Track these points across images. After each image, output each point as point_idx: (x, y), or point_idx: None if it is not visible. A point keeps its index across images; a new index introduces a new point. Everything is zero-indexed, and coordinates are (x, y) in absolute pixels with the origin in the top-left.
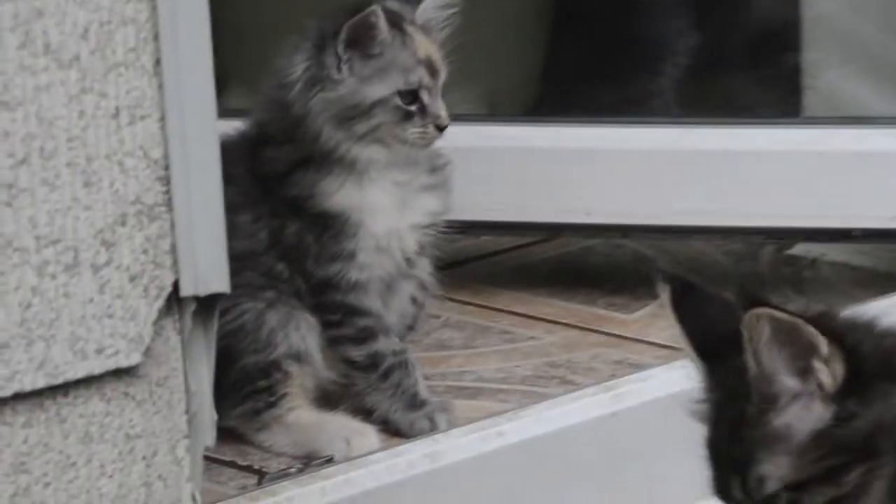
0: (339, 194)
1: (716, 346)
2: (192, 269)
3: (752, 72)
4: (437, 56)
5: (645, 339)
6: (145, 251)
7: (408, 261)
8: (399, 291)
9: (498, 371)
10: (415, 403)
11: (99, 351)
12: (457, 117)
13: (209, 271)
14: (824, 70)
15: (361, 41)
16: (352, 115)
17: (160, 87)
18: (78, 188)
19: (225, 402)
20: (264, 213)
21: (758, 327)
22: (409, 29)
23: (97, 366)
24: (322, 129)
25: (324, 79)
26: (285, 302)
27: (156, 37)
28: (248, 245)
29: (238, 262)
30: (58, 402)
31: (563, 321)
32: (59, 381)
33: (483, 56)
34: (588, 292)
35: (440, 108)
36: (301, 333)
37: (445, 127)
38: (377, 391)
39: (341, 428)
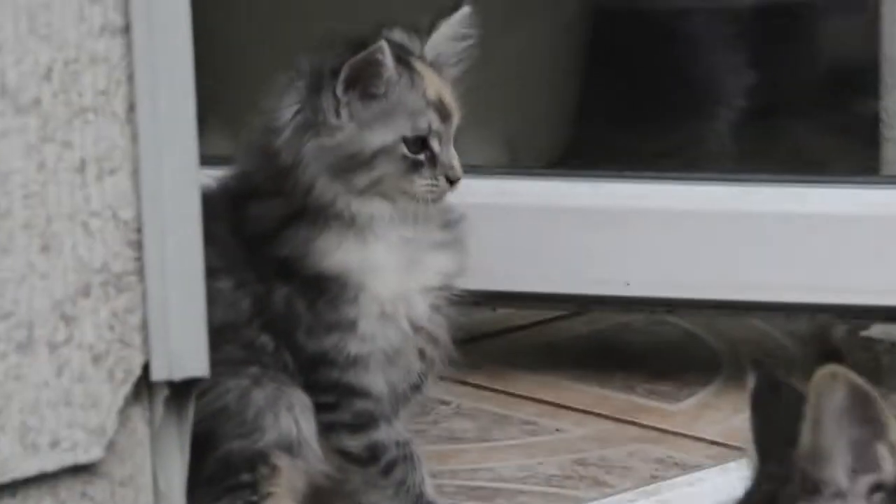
0: (338, 253)
1: (779, 446)
2: (165, 350)
3: (823, 121)
4: (449, 97)
5: (692, 433)
6: (111, 328)
7: (416, 329)
8: (405, 350)
9: (518, 469)
10: None
11: (53, 444)
12: (471, 169)
13: (185, 352)
14: None
15: (364, 81)
16: (350, 165)
17: (134, 136)
18: (34, 253)
19: (196, 495)
20: (248, 279)
21: (831, 390)
22: (418, 66)
23: (51, 462)
24: (315, 182)
25: (318, 123)
26: (273, 377)
27: (130, 78)
28: (228, 315)
29: (217, 334)
30: (4, 503)
31: (596, 411)
32: (6, 479)
33: (503, 97)
34: (625, 377)
35: (452, 158)
36: (293, 415)
37: (458, 179)
38: (376, 489)
39: None
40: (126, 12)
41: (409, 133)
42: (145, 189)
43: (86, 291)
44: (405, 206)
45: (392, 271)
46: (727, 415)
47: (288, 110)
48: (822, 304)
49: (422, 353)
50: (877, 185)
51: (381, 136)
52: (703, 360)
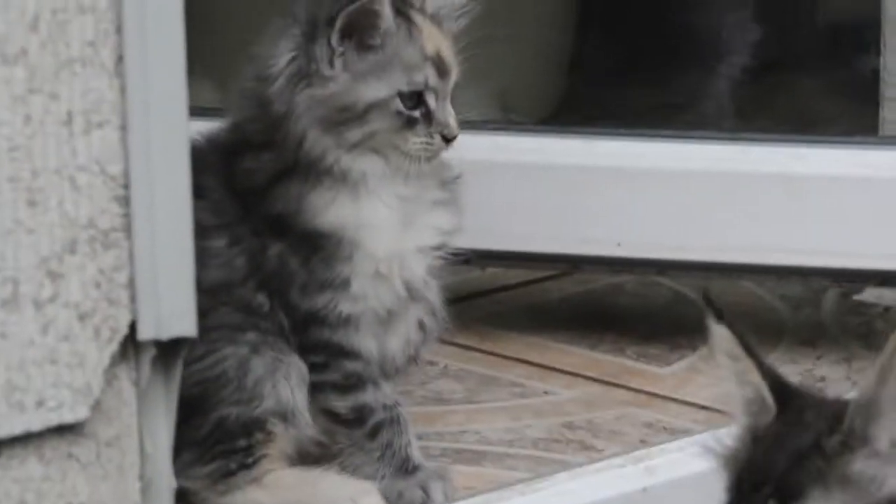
0: (332, 209)
1: (784, 382)
2: (152, 308)
3: (821, 79)
4: (448, 53)
5: (681, 398)
6: (98, 285)
7: (411, 291)
8: (403, 318)
9: (505, 432)
10: (406, 469)
11: (39, 403)
12: (464, 124)
13: (173, 311)
14: None
15: (360, 31)
16: (343, 118)
17: (122, 89)
18: (20, 208)
19: (183, 458)
20: (242, 235)
21: None
22: (417, 18)
23: (36, 421)
24: (306, 133)
25: (312, 73)
26: (271, 345)
27: (118, 28)
28: (223, 275)
29: (210, 295)
30: None
31: (585, 373)
32: None
33: (496, 50)
34: (615, 339)
35: (448, 115)
36: (290, 385)
37: (454, 138)
38: (362, 451)
39: (341, 486)
40: None
41: (404, 87)
42: (133, 143)
43: (72, 248)
44: (399, 163)
45: (387, 229)
46: (717, 379)
47: (282, 58)
48: (815, 266)
49: (421, 325)
50: (875, 146)
51: (376, 90)
52: (694, 322)
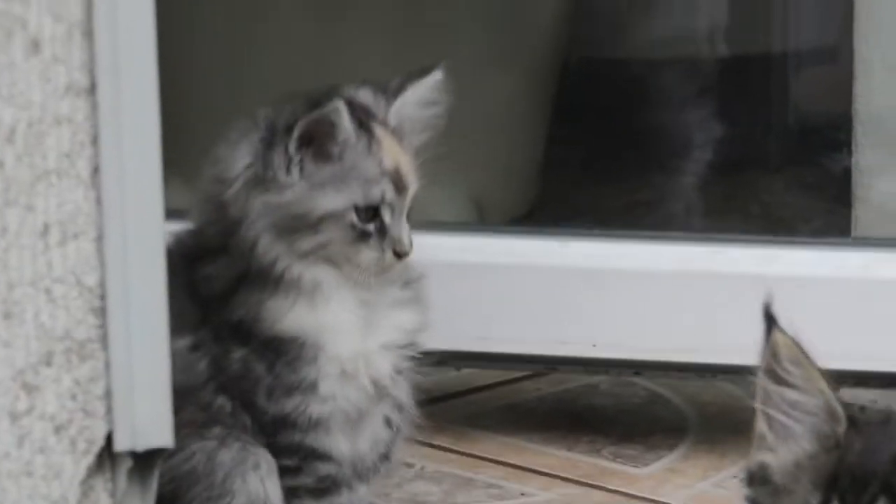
0: (291, 315)
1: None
2: (128, 420)
3: (793, 179)
4: (407, 168)
5: (659, 498)
6: (74, 397)
7: (378, 389)
8: (371, 416)
9: None
10: None
11: None
12: (436, 226)
13: (150, 422)
14: (878, 179)
15: (318, 140)
16: (296, 226)
17: (98, 200)
18: None
19: None
20: (204, 339)
21: None
22: (378, 131)
23: None
24: (258, 239)
25: (268, 179)
26: (237, 437)
27: (94, 140)
28: (184, 378)
29: (175, 397)
30: None
31: (562, 475)
32: None
33: (469, 153)
34: (591, 440)
35: (402, 232)
36: (260, 475)
37: (406, 254)
38: None
39: None
40: (91, 72)
41: (360, 201)
42: (109, 254)
43: (48, 360)
44: (350, 274)
45: (349, 331)
46: (694, 479)
47: (240, 162)
48: None
49: (388, 422)
50: (848, 247)
51: (332, 201)
52: (671, 422)
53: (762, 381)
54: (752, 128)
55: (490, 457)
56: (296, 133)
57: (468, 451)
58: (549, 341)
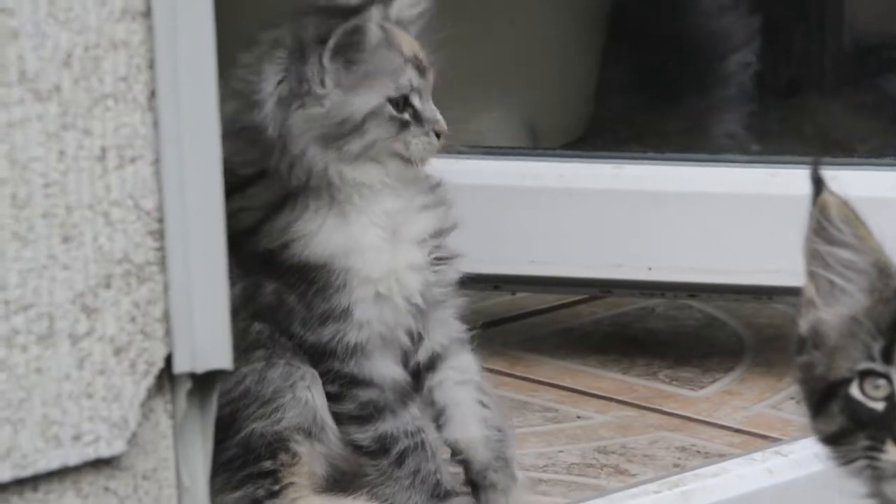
0: (320, 237)
1: None
2: (188, 342)
3: (848, 101)
4: (422, 53)
5: (715, 421)
6: (133, 319)
7: (417, 314)
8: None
9: (539, 457)
10: (438, 495)
11: (76, 437)
12: (490, 151)
13: (209, 344)
14: None
15: (350, 48)
16: (342, 132)
17: (155, 123)
18: (55, 244)
19: (215, 482)
20: (234, 273)
21: None
22: (388, 25)
23: (73, 455)
24: (306, 152)
25: (304, 94)
26: (281, 356)
27: (151, 64)
28: None
29: None
30: (26, 497)
31: (617, 398)
32: (28, 472)
33: (522, 78)
34: (647, 363)
35: (435, 112)
36: (307, 385)
37: (444, 132)
38: (391, 480)
39: None
40: None
41: (392, 93)
42: (167, 178)
43: (107, 282)
44: (398, 170)
45: (378, 247)
46: (751, 402)
47: (269, 82)
48: None
49: (409, 333)
50: None
51: (368, 99)
52: (727, 345)
53: (812, 242)
54: (807, 49)
55: (546, 380)
56: (331, 43)
57: (524, 374)
58: (604, 265)
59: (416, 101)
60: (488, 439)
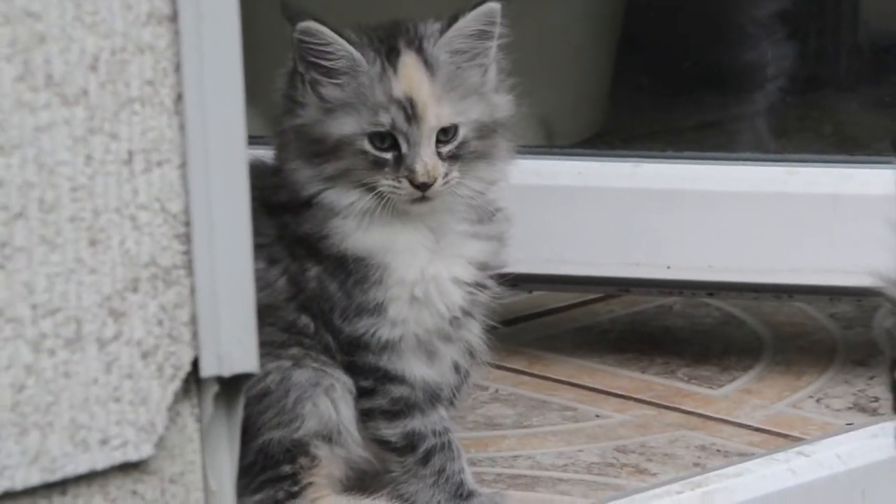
0: (358, 234)
1: None
2: (214, 345)
3: (865, 98)
4: (425, 97)
5: (735, 420)
6: (160, 323)
7: (453, 321)
8: (439, 357)
9: (558, 456)
10: (461, 495)
11: (103, 441)
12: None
13: (235, 347)
14: None
15: (316, 57)
16: (317, 150)
17: (181, 127)
18: (82, 247)
19: (235, 487)
20: (279, 255)
21: None
22: (405, 58)
23: (101, 459)
24: (289, 164)
25: (294, 99)
26: (314, 358)
27: (177, 67)
28: (265, 297)
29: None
30: (54, 501)
31: (636, 396)
32: (57, 476)
33: (538, 75)
34: (665, 362)
35: (416, 162)
36: (332, 399)
37: (424, 185)
38: (416, 478)
39: None
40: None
41: (367, 127)
42: (193, 181)
43: (134, 286)
44: (381, 202)
45: (417, 252)
46: (770, 400)
47: (280, 78)
48: (866, 287)
49: (456, 367)
50: None
51: (344, 126)
52: (745, 343)
53: None
54: (824, 46)
55: (564, 379)
56: (295, 47)
57: (542, 373)
58: (622, 263)
59: (402, 143)
60: None
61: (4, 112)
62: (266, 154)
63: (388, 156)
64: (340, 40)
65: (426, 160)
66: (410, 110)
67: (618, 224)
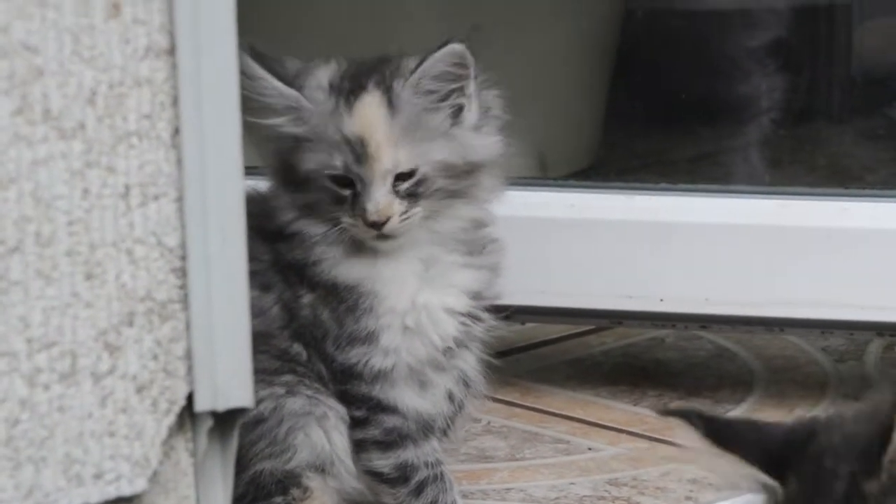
0: (344, 261)
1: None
2: (209, 380)
3: (859, 130)
4: (379, 138)
5: None
6: (155, 357)
7: (446, 351)
8: (432, 386)
9: (550, 489)
10: None
11: (97, 476)
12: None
13: (230, 382)
14: None
15: (257, 94)
16: (289, 179)
17: (178, 161)
18: (78, 281)
19: None
20: (273, 282)
21: None
22: (364, 98)
23: (95, 493)
24: (275, 189)
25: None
26: (308, 386)
27: (175, 101)
28: (259, 324)
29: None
30: None
31: (629, 429)
32: None
33: (530, 104)
34: (658, 394)
35: (368, 202)
36: (325, 429)
37: (376, 223)
38: None
39: None
40: (171, 33)
41: (325, 167)
42: (190, 215)
43: (130, 320)
44: (348, 235)
45: (407, 282)
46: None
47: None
48: (858, 320)
49: (450, 397)
50: None
51: (309, 161)
52: (738, 376)
53: None
54: (817, 79)
55: (556, 411)
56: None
57: (534, 405)
58: (615, 295)
59: (357, 183)
60: None
61: (2, 145)
62: (262, 185)
63: (347, 193)
64: (269, 77)
65: (378, 200)
66: (361, 150)
67: (611, 256)
